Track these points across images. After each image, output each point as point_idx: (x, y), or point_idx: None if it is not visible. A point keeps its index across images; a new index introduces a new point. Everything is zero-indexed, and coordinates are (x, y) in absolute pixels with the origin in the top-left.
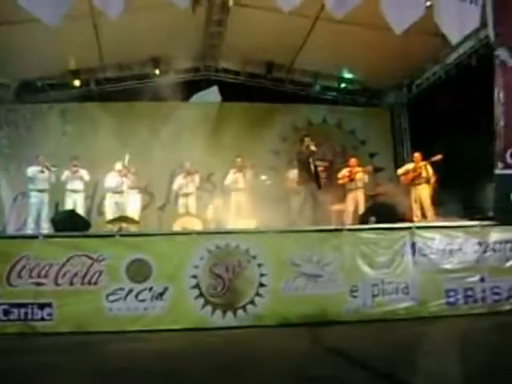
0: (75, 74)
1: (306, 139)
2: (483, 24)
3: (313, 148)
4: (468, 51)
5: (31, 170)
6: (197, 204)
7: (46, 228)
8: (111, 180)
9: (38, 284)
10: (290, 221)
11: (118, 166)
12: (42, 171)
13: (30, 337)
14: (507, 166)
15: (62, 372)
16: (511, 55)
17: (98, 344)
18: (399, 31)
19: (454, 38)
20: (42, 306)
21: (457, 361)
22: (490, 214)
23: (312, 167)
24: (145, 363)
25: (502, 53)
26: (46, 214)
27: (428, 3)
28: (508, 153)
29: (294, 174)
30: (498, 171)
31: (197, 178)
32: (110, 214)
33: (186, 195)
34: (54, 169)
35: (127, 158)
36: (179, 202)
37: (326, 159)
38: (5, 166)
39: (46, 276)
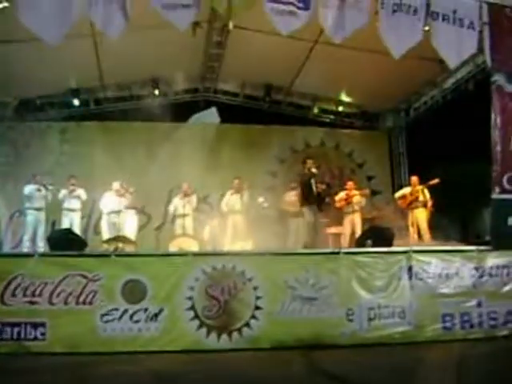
0: (75, 93)
1: (309, 161)
2: (480, 49)
3: (314, 170)
4: (465, 76)
5: (28, 189)
6: (193, 225)
7: (41, 246)
8: (108, 200)
9: (32, 303)
10: (286, 243)
11: (116, 185)
12: (39, 189)
13: (22, 357)
14: (504, 191)
15: None
16: (508, 80)
17: (92, 365)
18: (397, 55)
19: (452, 62)
20: (35, 326)
21: None
22: (487, 238)
23: (314, 189)
24: None
25: (498, 78)
26: (42, 232)
27: (426, 28)
28: (505, 177)
29: (291, 196)
30: (495, 196)
31: (194, 198)
32: (106, 234)
33: (183, 216)
34: (50, 187)
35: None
36: (176, 223)
37: (324, 182)
38: (2, 183)
39: (40, 295)
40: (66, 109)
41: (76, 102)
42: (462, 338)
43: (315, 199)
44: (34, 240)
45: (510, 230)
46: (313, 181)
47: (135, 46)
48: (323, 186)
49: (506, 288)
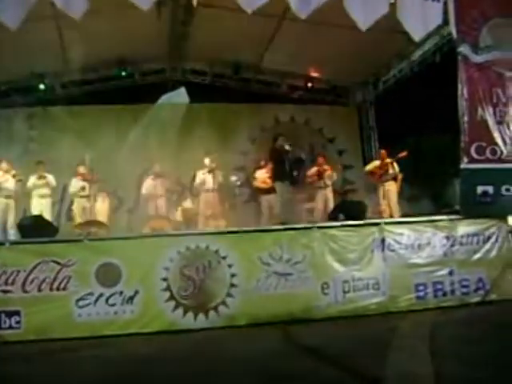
0: (40, 77)
1: (281, 138)
2: (446, 21)
3: (287, 147)
4: (432, 48)
5: None
6: (166, 206)
7: (12, 234)
8: (75, 184)
9: (5, 292)
10: (259, 220)
11: (81, 169)
12: (6, 177)
13: None
14: (473, 160)
15: (32, 382)
16: (473, 51)
17: (69, 351)
18: (364, 28)
19: (417, 35)
20: (9, 314)
21: (428, 355)
22: (457, 207)
23: (287, 165)
24: (117, 368)
25: (464, 49)
26: (12, 220)
27: (391, 0)
28: (473, 147)
29: (262, 173)
30: (463, 165)
31: (166, 180)
32: (78, 219)
33: (156, 197)
34: (18, 177)
35: (87, 158)
36: (148, 205)
37: (297, 157)
38: None
39: (13, 283)
40: (31, 94)
41: (42, 86)
42: (436, 306)
43: (288, 175)
44: (4, 228)
45: (479, 199)
46: (285, 157)
47: (99, 27)
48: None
49: (477, 256)
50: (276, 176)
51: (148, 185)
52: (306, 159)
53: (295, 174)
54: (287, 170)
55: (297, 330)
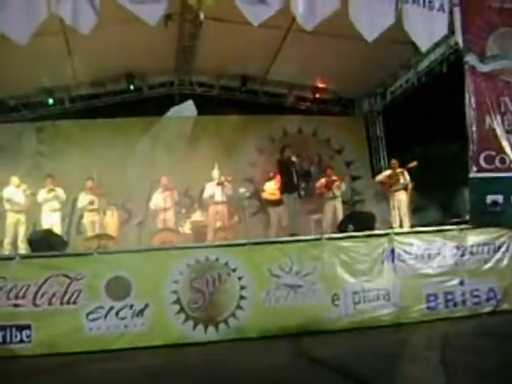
0: (49, 92)
1: (287, 149)
2: (452, 31)
3: (293, 159)
4: (439, 58)
5: (7, 191)
6: (175, 219)
7: (23, 248)
8: (83, 198)
9: (16, 305)
10: (268, 232)
11: (89, 183)
12: (18, 192)
13: (9, 360)
14: (481, 170)
15: None
16: (480, 60)
17: (80, 364)
18: (370, 39)
19: (423, 45)
20: (20, 328)
21: (440, 367)
22: (467, 217)
23: (294, 177)
24: (128, 382)
25: (470, 58)
26: (22, 234)
27: (398, 11)
28: (482, 156)
29: (271, 185)
30: (472, 174)
31: (175, 192)
32: (88, 232)
33: (164, 210)
34: (28, 191)
35: (94, 172)
36: (157, 218)
37: (303, 169)
38: None
39: (23, 297)
40: (40, 108)
41: (50, 100)
42: (447, 316)
43: (295, 187)
44: (14, 242)
45: (489, 208)
46: (293, 169)
47: (107, 41)
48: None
49: (487, 265)
50: (283, 188)
51: (156, 197)
52: (314, 171)
53: (303, 185)
54: (295, 181)
55: (307, 342)
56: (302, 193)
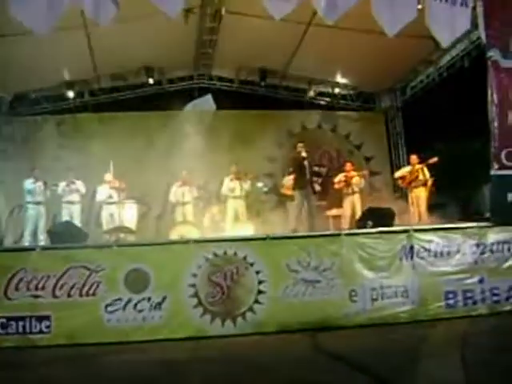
0: (69, 85)
1: (299, 145)
2: (475, 26)
3: (303, 154)
4: (461, 53)
5: (28, 183)
6: (194, 212)
7: (42, 240)
8: (102, 192)
9: (36, 296)
10: (287, 227)
11: (108, 176)
12: (39, 184)
13: (28, 350)
14: (503, 167)
15: None
16: (503, 56)
17: (98, 355)
18: (392, 34)
19: (444, 41)
20: (40, 319)
21: (459, 365)
22: (487, 214)
23: (307, 172)
24: (146, 374)
25: (493, 53)
26: (43, 226)
27: (419, 6)
28: (503, 153)
29: (288, 180)
30: (493, 172)
31: (193, 186)
32: (106, 225)
33: (183, 204)
34: (49, 183)
35: (111, 165)
36: (176, 211)
37: (322, 164)
38: (1, 179)
39: (43, 288)
40: (61, 101)
41: (71, 94)
42: (466, 314)
43: (306, 183)
44: (35, 234)
45: (510, 206)
46: (306, 164)
47: (127, 35)
48: (323, 169)
49: (508, 263)
50: (295, 184)
51: (175, 191)
52: (334, 166)
53: (318, 181)
54: (307, 177)
55: (325, 337)
56: (318, 188)
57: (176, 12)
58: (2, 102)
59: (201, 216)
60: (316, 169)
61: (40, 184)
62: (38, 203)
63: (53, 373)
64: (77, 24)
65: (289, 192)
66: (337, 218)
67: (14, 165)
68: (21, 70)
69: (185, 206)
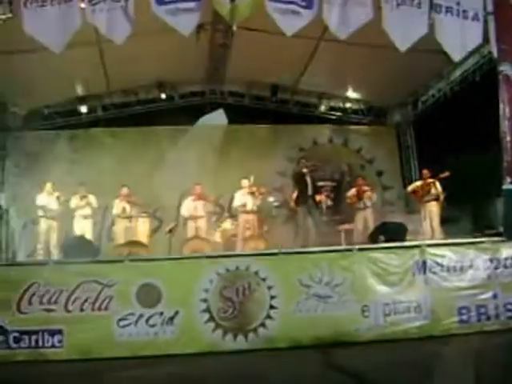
0: (82, 100)
1: (302, 161)
2: (486, 40)
3: (304, 170)
4: (472, 67)
5: (40, 198)
6: (206, 227)
7: (55, 254)
8: (118, 206)
9: (49, 310)
10: (299, 242)
11: (124, 190)
12: (51, 198)
13: (41, 364)
14: None
15: None
16: None
17: (110, 370)
18: (403, 49)
19: (456, 55)
20: (52, 333)
21: (473, 381)
22: (501, 229)
23: (309, 188)
24: None
25: (505, 68)
26: (55, 240)
27: (431, 21)
28: None
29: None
30: (506, 186)
31: (208, 202)
32: (119, 239)
33: (196, 218)
34: (62, 198)
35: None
36: (188, 226)
37: (334, 179)
38: (13, 193)
39: (56, 302)
40: (73, 116)
41: (83, 109)
42: (479, 330)
43: (308, 198)
44: (47, 248)
45: None
46: (308, 179)
47: (140, 50)
48: (333, 184)
49: None
50: (296, 200)
51: (188, 206)
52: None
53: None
54: (309, 193)
55: (337, 353)
56: (330, 203)
57: (189, 31)
58: (15, 117)
59: (213, 231)
60: (327, 184)
61: (52, 199)
62: (50, 218)
63: None
64: (90, 40)
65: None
66: (349, 232)
67: (27, 179)
68: (34, 86)
69: (198, 221)
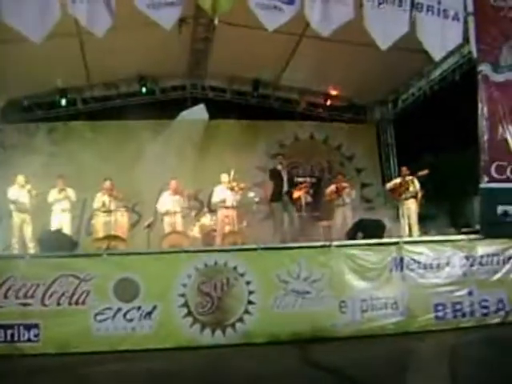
0: (62, 92)
1: (278, 157)
2: (466, 40)
3: (279, 167)
4: (452, 67)
5: (12, 191)
6: (183, 222)
7: (31, 248)
8: (99, 199)
9: (25, 305)
10: (277, 237)
11: (107, 184)
12: (22, 192)
13: (16, 359)
14: (492, 180)
15: None
16: (494, 70)
17: (87, 365)
18: (384, 47)
19: (436, 54)
20: (28, 327)
21: (447, 377)
22: (477, 227)
23: (284, 185)
24: None
25: (484, 68)
26: (29, 234)
27: (412, 20)
28: (493, 166)
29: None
30: (483, 185)
31: (184, 197)
32: (98, 233)
33: (172, 214)
34: (34, 192)
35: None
36: (165, 221)
37: (314, 175)
38: None
39: (32, 296)
40: (53, 109)
41: (63, 101)
42: (455, 326)
43: (281, 196)
44: (23, 242)
45: (500, 219)
46: (284, 175)
47: (121, 44)
48: (313, 180)
49: (497, 276)
50: (272, 196)
51: (164, 201)
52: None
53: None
54: (284, 190)
55: (314, 348)
56: (309, 199)
57: (171, 24)
58: None
59: (191, 226)
60: (307, 179)
61: (24, 192)
62: (22, 211)
63: (41, 383)
64: (70, 31)
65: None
66: (328, 229)
67: (4, 172)
68: (13, 77)
69: (174, 216)
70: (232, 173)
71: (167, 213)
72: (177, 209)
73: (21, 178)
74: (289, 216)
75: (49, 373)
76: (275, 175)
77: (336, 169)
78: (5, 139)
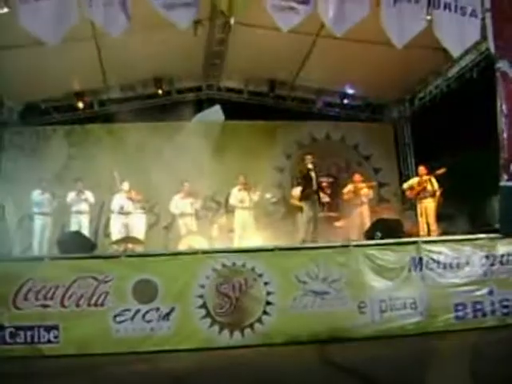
0: (79, 95)
1: (307, 157)
2: (484, 37)
3: (309, 166)
4: (469, 64)
5: (35, 194)
6: (198, 224)
7: (51, 250)
8: (119, 201)
9: (45, 306)
10: (295, 238)
11: (126, 185)
12: (46, 195)
13: (36, 360)
14: None
15: None
16: None
17: (106, 366)
18: (400, 45)
19: (455, 51)
20: (48, 329)
21: (468, 377)
22: (497, 226)
23: (314, 184)
24: None
25: (502, 65)
26: (50, 236)
27: (428, 17)
28: None
29: (296, 191)
30: (502, 183)
31: (197, 198)
32: (115, 235)
33: (188, 215)
34: (57, 194)
35: (116, 175)
36: (179, 223)
37: (331, 175)
38: (10, 189)
39: (52, 298)
40: (70, 112)
41: (80, 104)
42: (475, 326)
43: (312, 194)
44: (42, 244)
45: None
46: (313, 175)
47: (137, 46)
48: (330, 180)
49: None
50: (302, 195)
51: (177, 203)
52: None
53: (324, 192)
54: (313, 188)
55: (333, 349)
56: (327, 199)
57: (186, 24)
58: (12, 111)
59: (209, 227)
60: (324, 179)
61: (47, 195)
62: (44, 214)
63: None
64: (87, 34)
65: (297, 203)
66: (345, 229)
67: (24, 174)
68: (31, 80)
69: (187, 218)
70: (242, 177)
71: (182, 214)
72: (190, 211)
73: (45, 182)
74: (314, 215)
75: (69, 374)
76: (304, 174)
77: (353, 168)
78: (24, 143)
